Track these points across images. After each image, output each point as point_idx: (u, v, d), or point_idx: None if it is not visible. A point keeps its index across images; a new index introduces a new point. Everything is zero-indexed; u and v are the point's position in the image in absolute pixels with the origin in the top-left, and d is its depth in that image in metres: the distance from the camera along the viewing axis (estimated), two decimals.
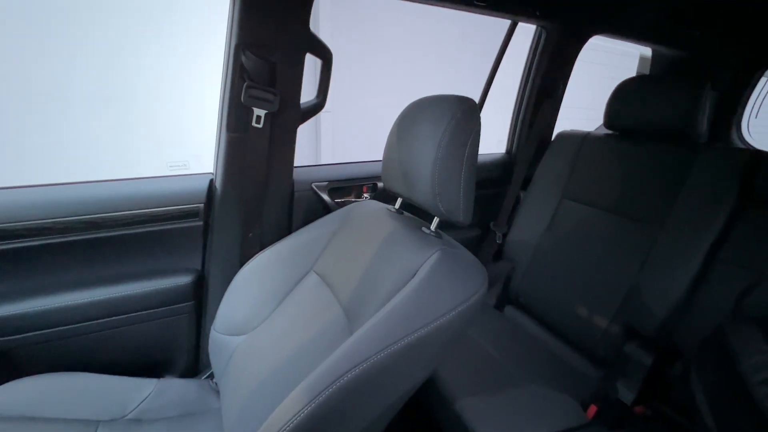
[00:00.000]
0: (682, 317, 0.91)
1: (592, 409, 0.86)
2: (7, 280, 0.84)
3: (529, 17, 1.23)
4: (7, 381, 0.76)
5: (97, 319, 0.89)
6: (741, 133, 1.67)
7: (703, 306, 0.89)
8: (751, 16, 1.22)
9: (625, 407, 0.87)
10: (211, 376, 0.95)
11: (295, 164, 1.03)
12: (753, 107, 1.64)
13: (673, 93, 1.02)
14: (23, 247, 0.82)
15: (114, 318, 0.91)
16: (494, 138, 1.72)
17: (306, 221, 0.92)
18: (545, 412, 0.86)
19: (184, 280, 0.98)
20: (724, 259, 0.89)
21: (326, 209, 1.11)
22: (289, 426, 0.47)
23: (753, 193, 0.88)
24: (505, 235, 1.39)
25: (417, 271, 0.59)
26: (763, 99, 1.61)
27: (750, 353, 0.60)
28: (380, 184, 1.21)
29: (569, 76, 1.42)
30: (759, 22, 1.27)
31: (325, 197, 1.11)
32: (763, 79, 1.59)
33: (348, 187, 1.19)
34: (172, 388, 0.84)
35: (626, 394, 0.88)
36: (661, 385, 0.91)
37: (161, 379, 0.86)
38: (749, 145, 1.64)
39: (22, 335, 0.83)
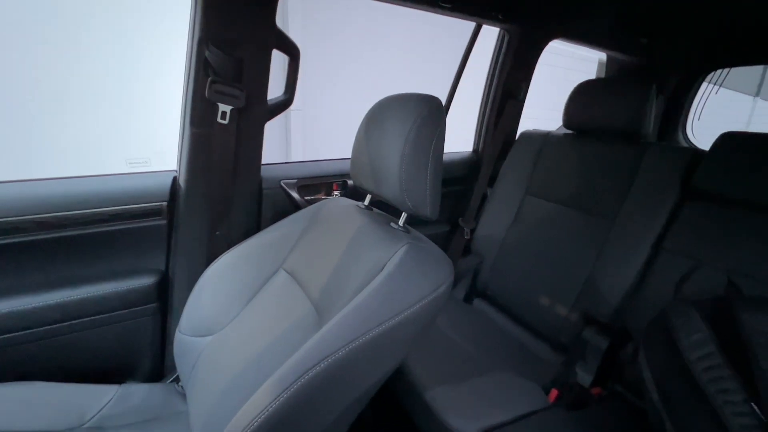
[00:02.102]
0: (632, 302, 0.98)
1: (554, 393, 0.91)
2: None
3: (491, 20, 1.28)
4: None
5: (53, 323, 0.85)
6: (686, 134, 1.81)
7: (651, 291, 0.96)
8: (692, 27, 1.33)
9: (584, 389, 0.92)
10: (177, 380, 0.92)
11: (263, 162, 1.02)
12: (696, 110, 1.78)
13: (623, 96, 1.09)
14: None
15: (72, 322, 0.87)
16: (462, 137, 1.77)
17: (275, 219, 0.91)
18: (510, 397, 0.90)
19: (147, 281, 0.94)
20: (668, 248, 0.96)
21: (296, 207, 1.10)
22: (258, 420, 0.47)
23: (693, 187, 0.97)
24: (472, 231, 1.43)
25: (385, 265, 0.60)
26: (705, 103, 1.75)
27: (689, 332, 0.66)
28: (350, 182, 1.22)
29: (531, 77, 1.49)
30: (698, 32, 1.38)
31: (295, 195, 1.10)
32: (704, 85, 1.73)
33: (318, 184, 1.18)
34: (134, 394, 0.81)
35: (584, 377, 0.93)
36: (615, 367, 0.97)
37: (123, 384, 0.83)
38: (693, 144, 1.78)
39: None
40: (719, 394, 0.58)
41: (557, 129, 1.60)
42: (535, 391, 0.93)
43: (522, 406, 0.87)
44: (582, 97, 1.18)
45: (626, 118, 1.07)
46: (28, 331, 0.83)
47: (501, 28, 1.38)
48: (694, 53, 1.58)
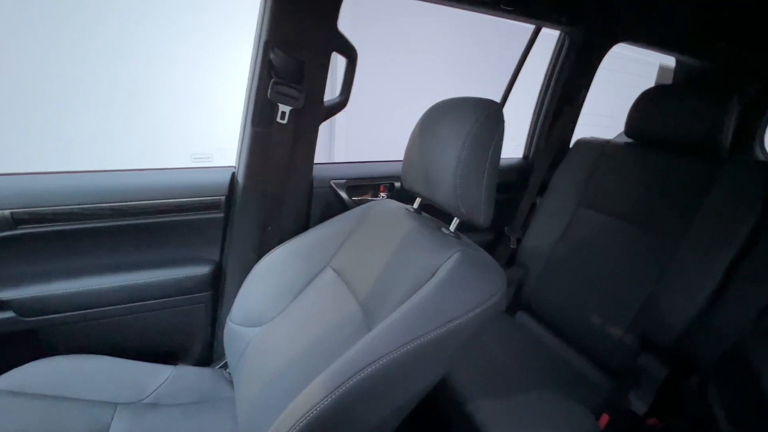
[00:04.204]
0: (699, 331, 0.90)
1: (605, 418, 0.85)
2: (34, 263, 0.87)
3: (554, 23, 1.22)
4: (32, 360, 0.78)
5: (118, 304, 0.92)
6: (764, 147, 1.64)
7: (722, 320, 0.88)
8: None
9: (638, 418, 0.86)
10: (225, 366, 0.97)
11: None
12: None
13: (698, 105, 1.00)
14: (50, 231, 0.85)
15: (134, 304, 0.93)
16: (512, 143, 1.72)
17: (324, 218, 0.93)
18: (556, 418, 0.85)
19: (202, 270, 1.00)
20: (745, 274, 0.87)
21: (344, 206, 1.12)
22: (306, 418, 0.47)
23: None
24: (519, 240, 1.38)
25: (437, 270, 0.59)
26: None
27: None
28: (397, 184, 1.22)
29: (591, 82, 1.41)
30: None
31: (343, 195, 1.12)
32: None
33: (365, 185, 1.19)
34: (187, 375, 0.86)
35: (639, 405, 0.87)
36: (675, 398, 0.89)
37: (177, 366, 0.88)
38: None
39: (46, 316, 0.86)
40: None
41: (616, 137, 1.50)
42: (583, 413, 0.87)
43: (570, 428, 0.82)
44: (650, 104, 1.10)
45: (702, 129, 0.99)
46: (98, 309, 0.90)
47: (562, 31, 1.32)
48: None
